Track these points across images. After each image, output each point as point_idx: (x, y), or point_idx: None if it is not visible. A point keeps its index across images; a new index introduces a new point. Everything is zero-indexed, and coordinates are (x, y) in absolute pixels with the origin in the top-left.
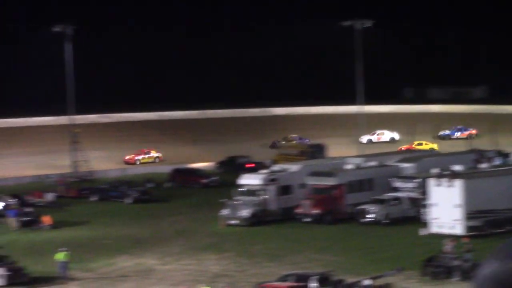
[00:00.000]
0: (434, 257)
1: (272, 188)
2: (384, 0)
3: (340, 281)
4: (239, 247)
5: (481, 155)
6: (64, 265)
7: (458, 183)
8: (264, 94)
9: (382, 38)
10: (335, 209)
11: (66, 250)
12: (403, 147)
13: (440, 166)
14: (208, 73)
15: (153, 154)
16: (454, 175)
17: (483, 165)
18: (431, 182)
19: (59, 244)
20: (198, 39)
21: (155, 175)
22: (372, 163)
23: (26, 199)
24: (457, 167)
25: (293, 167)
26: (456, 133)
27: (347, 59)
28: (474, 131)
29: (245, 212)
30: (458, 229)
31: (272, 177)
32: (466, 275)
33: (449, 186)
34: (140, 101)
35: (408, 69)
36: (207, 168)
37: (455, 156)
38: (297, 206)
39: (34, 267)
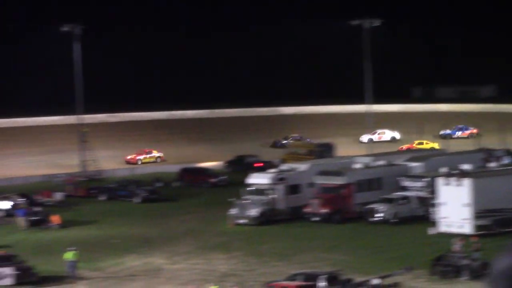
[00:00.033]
0: (443, 256)
1: (281, 187)
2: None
3: (349, 280)
4: (247, 246)
5: (489, 154)
6: (73, 264)
7: (466, 182)
8: (272, 93)
9: (390, 38)
10: (344, 208)
11: (75, 250)
12: (404, 147)
13: (448, 165)
14: (216, 72)
15: (155, 154)
16: (463, 174)
17: (492, 164)
18: (440, 181)
19: (68, 244)
20: (207, 38)
21: (164, 175)
22: (381, 162)
23: (35, 198)
24: (466, 166)
25: (302, 166)
26: (457, 133)
27: (356, 58)
28: (475, 130)
29: (253, 212)
30: (467, 228)
31: (281, 176)
32: (475, 274)
33: (458, 185)
34: (148, 100)
35: (416, 68)
36: (215, 167)
37: (464, 155)
38: (305, 205)
39: (42, 266)
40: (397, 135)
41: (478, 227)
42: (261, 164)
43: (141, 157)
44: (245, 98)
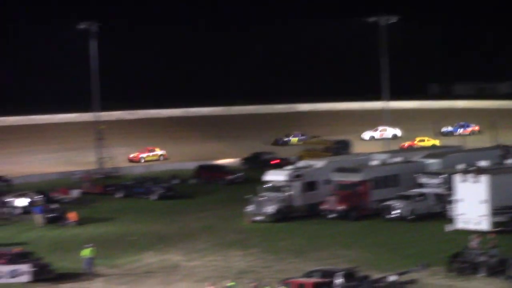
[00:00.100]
0: (460, 253)
1: (297, 184)
2: None
3: (366, 277)
4: (264, 243)
5: (506, 150)
6: (90, 261)
7: (484, 179)
8: (289, 90)
9: (407, 34)
10: (360, 205)
11: (92, 247)
12: (406, 144)
13: (465, 162)
14: (233, 69)
15: (158, 152)
16: (480, 171)
17: (509, 161)
18: (457, 178)
19: (85, 241)
20: (223, 35)
21: (180, 172)
22: (398, 159)
23: (52, 195)
24: (483, 163)
25: (318, 163)
26: (458, 130)
27: (372, 55)
28: (477, 128)
29: (270, 208)
30: (484, 225)
31: (297, 173)
32: (492, 271)
33: (475, 182)
34: (165, 97)
35: (433, 65)
36: (232, 164)
37: (481, 152)
38: (322, 202)
39: (60, 263)
40: (398, 132)
41: (495, 224)
42: (278, 161)
43: (144, 155)
44: (262, 95)
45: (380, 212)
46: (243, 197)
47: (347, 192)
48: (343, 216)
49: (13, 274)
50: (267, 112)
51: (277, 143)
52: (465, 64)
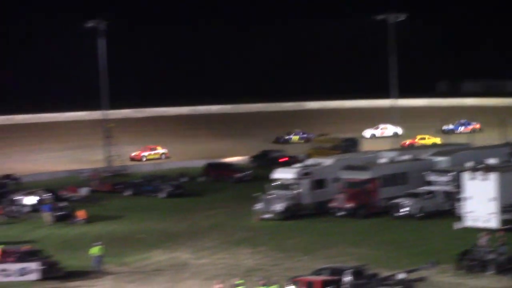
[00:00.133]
0: (469, 250)
1: (306, 182)
2: None
3: (374, 275)
4: (273, 241)
5: None
6: (99, 259)
7: (492, 177)
8: (298, 88)
9: (415, 32)
10: (369, 203)
11: (101, 245)
12: (407, 142)
13: (474, 159)
14: (241, 67)
15: (159, 150)
16: (489, 169)
17: None
18: (466, 176)
19: (93, 239)
20: (232, 33)
21: (189, 170)
22: (406, 157)
23: (60, 193)
24: (492, 161)
25: (327, 161)
26: (459, 128)
27: (381, 52)
28: (478, 126)
29: (279, 206)
30: (493, 223)
31: (306, 171)
32: (501, 268)
33: (484, 179)
34: (173, 96)
35: (442, 63)
36: (240, 162)
37: (490, 150)
38: (331, 200)
39: (68, 261)
40: (399, 130)
41: (504, 221)
42: (286, 159)
43: (146, 153)
44: (270, 93)
45: (388, 210)
46: (251, 195)
47: (356, 190)
48: (351, 214)
49: (22, 272)
50: (275, 110)
51: (278, 141)
52: (474, 61)
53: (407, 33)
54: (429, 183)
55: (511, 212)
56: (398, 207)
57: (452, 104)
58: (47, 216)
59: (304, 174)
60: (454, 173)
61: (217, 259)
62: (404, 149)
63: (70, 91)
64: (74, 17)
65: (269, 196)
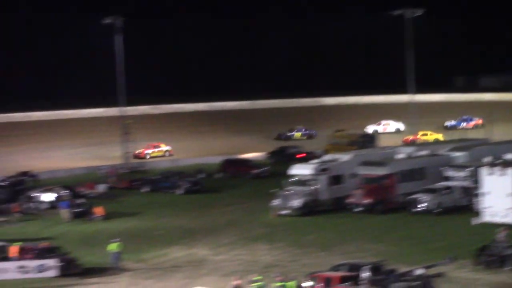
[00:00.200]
0: (487, 246)
1: (323, 178)
2: None
3: (392, 271)
4: (290, 237)
5: None
6: (117, 256)
7: (510, 172)
8: (315, 84)
9: (433, 27)
10: (387, 198)
11: (119, 241)
12: (409, 138)
13: (492, 154)
14: (258, 63)
15: (163, 148)
16: (507, 164)
17: None
18: (484, 171)
19: (111, 235)
20: (249, 29)
21: (206, 166)
22: (424, 152)
23: (78, 190)
24: (510, 156)
25: (344, 157)
26: (462, 124)
27: (398, 48)
28: (480, 121)
29: (296, 202)
30: (511, 218)
31: (323, 167)
32: None
33: (502, 174)
34: (190, 92)
35: (459, 58)
36: (258, 158)
37: (507, 145)
38: (348, 196)
39: (86, 258)
40: (401, 126)
41: None
42: (304, 155)
43: (149, 151)
44: (287, 89)
45: (406, 206)
46: (269, 191)
47: (373, 186)
48: (369, 209)
49: (40, 269)
50: (292, 106)
51: (280, 137)
52: (492, 56)
53: (424, 28)
54: (447, 178)
55: None
56: (415, 202)
57: (470, 99)
58: (65, 213)
59: (322, 170)
60: (472, 168)
61: (235, 255)
62: (422, 144)
63: (87, 88)
64: (92, 14)
65: (287, 192)
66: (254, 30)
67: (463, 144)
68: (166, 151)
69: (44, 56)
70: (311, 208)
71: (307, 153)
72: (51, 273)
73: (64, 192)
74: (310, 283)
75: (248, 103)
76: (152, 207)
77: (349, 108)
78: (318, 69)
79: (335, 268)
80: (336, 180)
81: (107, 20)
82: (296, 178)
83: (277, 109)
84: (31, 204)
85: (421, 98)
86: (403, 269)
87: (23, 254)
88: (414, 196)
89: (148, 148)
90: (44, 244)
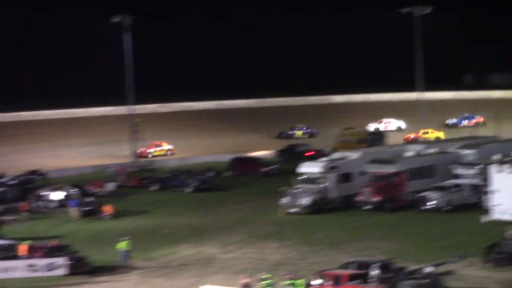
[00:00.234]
0: (496, 243)
1: (332, 176)
2: None
3: (402, 269)
4: (299, 235)
5: None
6: (126, 254)
7: None
8: (323, 82)
9: (441, 24)
10: (396, 196)
11: (128, 239)
12: (410, 136)
13: (501, 152)
14: (267, 62)
15: (165, 146)
16: None
17: None
18: (493, 169)
19: (120, 234)
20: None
21: (215, 164)
22: (433, 150)
23: (87, 189)
24: None
25: (353, 155)
26: (463, 122)
27: (407, 45)
28: (481, 119)
29: (305, 200)
30: None
31: (332, 164)
32: None
33: (511, 172)
34: (199, 90)
35: (468, 55)
36: (267, 156)
37: None
38: (357, 194)
39: (96, 256)
40: (402, 124)
41: None
42: (313, 153)
43: (152, 150)
44: (296, 87)
45: (415, 203)
46: (278, 189)
47: (382, 184)
48: (378, 207)
49: (50, 267)
50: (300, 104)
51: (281, 136)
52: (501, 53)
53: (433, 25)
54: (456, 176)
55: None
56: (425, 200)
57: (479, 97)
58: (74, 211)
59: (331, 168)
60: (481, 166)
61: (244, 253)
62: (431, 142)
63: (96, 87)
64: (100, 12)
65: (296, 190)
66: (263, 29)
67: (472, 142)
68: (168, 149)
69: (52, 55)
70: (320, 206)
71: (316, 151)
72: (60, 271)
73: (73, 191)
74: (319, 281)
75: (257, 101)
76: (161, 205)
77: (358, 106)
78: (326, 67)
79: (344, 266)
80: (345, 178)
81: (116, 19)
82: (305, 176)
83: (286, 107)
84: (40, 203)
85: (430, 95)
86: (412, 267)
87: (32, 252)
88: (423, 194)
89: (150, 147)
90: (53, 242)
